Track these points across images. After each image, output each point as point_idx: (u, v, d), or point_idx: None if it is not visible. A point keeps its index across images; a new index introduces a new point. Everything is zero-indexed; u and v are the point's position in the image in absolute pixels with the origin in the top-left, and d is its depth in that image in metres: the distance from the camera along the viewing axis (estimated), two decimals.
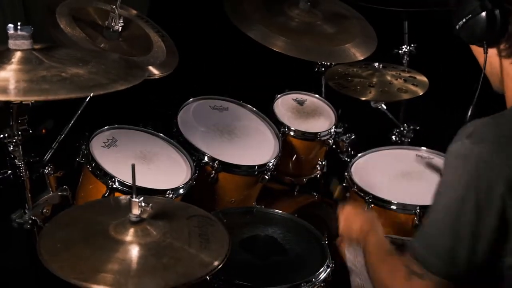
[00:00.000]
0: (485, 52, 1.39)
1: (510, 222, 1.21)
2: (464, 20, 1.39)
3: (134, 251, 1.44)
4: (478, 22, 1.37)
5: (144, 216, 1.52)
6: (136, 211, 1.49)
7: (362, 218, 1.69)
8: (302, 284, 1.84)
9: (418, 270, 1.27)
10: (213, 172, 2.29)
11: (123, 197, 1.77)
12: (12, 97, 1.50)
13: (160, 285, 1.35)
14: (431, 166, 2.42)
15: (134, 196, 1.49)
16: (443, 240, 1.24)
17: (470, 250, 1.23)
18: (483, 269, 1.25)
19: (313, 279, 1.87)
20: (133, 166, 1.48)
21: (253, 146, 2.47)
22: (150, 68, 2.26)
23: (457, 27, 1.42)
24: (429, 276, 1.26)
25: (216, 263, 1.45)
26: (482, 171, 1.20)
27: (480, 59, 1.44)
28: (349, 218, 1.74)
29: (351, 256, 2.06)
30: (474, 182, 1.21)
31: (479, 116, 1.33)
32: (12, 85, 1.49)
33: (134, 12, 2.52)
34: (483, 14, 1.35)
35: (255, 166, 2.36)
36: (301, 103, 2.84)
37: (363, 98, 2.65)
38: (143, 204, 1.50)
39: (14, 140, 1.82)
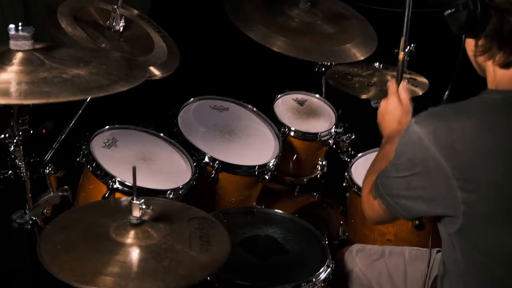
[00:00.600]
0: (462, 46, 1.49)
1: (445, 195, 1.37)
2: (449, 11, 1.48)
3: (134, 254, 1.44)
4: (460, 17, 1.44)
5: (145, 218, 1.52)
6: (136, 213, 1.49)
7: (399, 118, 1.85)
8: (303, 284, 1.84)
9: (373, 192, 1.56)
10: (214, 172, 2.29)
11: (124, 199, 1.77)
12: (13, 100, 1.50)
13: None
14: None
15: (135, 198, 1.49)
16: (391, 186, 1.49)
17: (411, 205, 1.45)
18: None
19: (314, 279, 1.87)
20: (134, 169, 1.48)
21: (253, 146, 2.47)
22: (151, 68, 2.26)
23: (445, 14, 1.50)
24: (378, 201, 1.53)
25: (217, 265, 1.45)
26: (414, 148, 1.39)
27: (467, 47, 1.51)
28: (391, 108, 1.88)
29: (349, 264, 2.07)
30: (408, 154, 1.41)
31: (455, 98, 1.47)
32: (13, 88, 1.49)
33: (136, 12, 2.52)
34: (465, 12, 1.42)
35: (255, 166, 2.36)
36: (301, 103, 2.84)
37: (362, 96, 2.65)
38: (143, 206, 1.49)
39: (15, 141, 1.82)
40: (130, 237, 1.48)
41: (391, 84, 1.91)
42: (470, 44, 1.48)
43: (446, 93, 1.60)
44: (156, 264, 1.42)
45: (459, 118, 1.37)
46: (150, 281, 1.36)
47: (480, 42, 1.43)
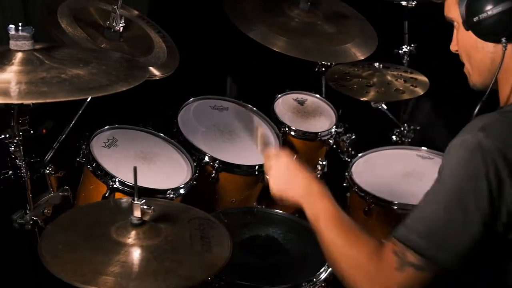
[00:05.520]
0: (505, 48, 1.35)
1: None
2: (488, 13, 1.34)
3: (135, 254, 1.44)
4: (505, 17, 1.32)
5: (146, 218, 1.52)
6: (138, 213, 1.49)
7: (306, 175, 1.51)
8: (303, 284, 1.83)
9: (415, 261, 1.21)
10: (214, 172, 2.29)
11: (125, 199, 1.77)
12: (11, 100, 1.50)
13: None
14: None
15: (136, 198, 1.49)
16: (447, 231, 1.20)
17: (476, 240, 1.20)
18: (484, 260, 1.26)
19: (314, 279, 1.86)
20: (135, 169, 1.48)
21: (253, 146, 2.46)
22: (151, 69, 2.26)
23: (476, 19, 1.35)
24: (431, 268, 1.21)
25: (218, 266, 1.45)
26: (493, 164, 1.19)
27: (479, 55, 1.41)
28: (287, 171, 1.53)
29: None
30: (484, 173, 1.19)
31: (484, 112, 1.33)
32: (12, 87, 1.49)
33: (135, 12, 2.52)
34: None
35: (255, 166, 2.36)
36: (301, 103, 2.84)
37: (360, 98, 2.65)
38: (145, 207, 1.49)
39: (15, 141, 1.82)
40: (131, 237, 1.48)
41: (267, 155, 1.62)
42: (483, 51, 1.38)
43: (477, 108, 1.43)
44: (157, 264, 1.42)
45: None
46: (151, 281, 1.36)
47: None
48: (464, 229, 1.19)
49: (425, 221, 1.24)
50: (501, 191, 1.19)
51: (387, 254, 1.26)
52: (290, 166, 1.54)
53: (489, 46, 1.38)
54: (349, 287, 1.32)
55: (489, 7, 1.34)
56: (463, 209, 1.19)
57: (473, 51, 1.43)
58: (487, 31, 1.37)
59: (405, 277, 1.23)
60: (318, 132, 2.66)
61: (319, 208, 1.43)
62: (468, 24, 1.38)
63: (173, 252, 1.47)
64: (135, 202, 1.49)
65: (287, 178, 1.53)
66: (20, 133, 1.82)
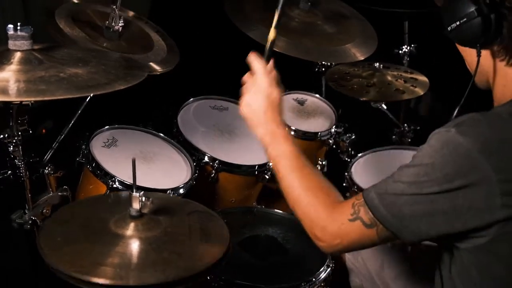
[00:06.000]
0: (478, 55, 1.38)
1: (478, 213, 1.23)
2: (458, 23, 1.37)
3: (134, 245, 1.44)
4: (473, 26, 1.34)
5: (145, 211, 1.52)
6: (136, 205, 1.49)
7: (276, 117, 1.53)
8: (303, 284, 1.84)
9: (366, 220, 1.30)
10: (213, 172, 2.29)
11: (124, 192, 1.77)
12: (10, 98, 1.51)
13: (160, 279, 1.34)
14: None
15: (134, 190, 1.49)
16: (403, 207, 1.27)
17: (426, 226, 1.27)
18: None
19: (314, 279, 1.86)
20: (133, 160, 1.48)
21: (253, 146, 2.46)
22: (152, 64, 2.26)
23: (449, 29, 1.39)
24: (378, 229, 1.30)
25: (216, 257, 1.45)
26: (458, 161, 1.23)
27: (468, 58, 1.44)
28: (260, 104, 1.54)
29: (351, 256, 2.06)
30: (448, 169, 1.24)
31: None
32: (10, 86, 1.50)
33: (133, 13, 2.52)
34: (479, 19, 1.32)
35: (255, 165, 2.36)
36: (301, 103, 2.84)
37: (360, 98, 2.65)
38: (143, 199, 1.49)
39: (14, 141, 1.83)
40: (130, 229, 1.48)
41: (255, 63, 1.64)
42: (484, 54, 1.38)
43: (455, 113, 1.45)
44: (156, 255, 1.42)
45: (503, 123, 1.28)
46: (150, 272, 1.36)
47: (496, 48, 1.36)
48: (413, 205, 1.26)
49: (388, 190, 1.29)
50: (459, 189, 1.22)
51: (347, 205, 1.34)
52: (265, 101, 1.54)
53: (474, 50, 1.39)
54: (305, 229, 1.41)
55: (457, 17, 1.36)
56: (418, 187, 1.25)
57: (464, 53, 1.46)
58: (461, 39, 1.40)
59: (353, 230, 1.32)
60: (318, 132, 2.66)
61: (281, 150, 1.48)
62: (447, 32, 1.41)
63: (172, 243, 1.47)
64: (134, 194, 1.48)
65: (258, 112, 1.54)
66: (19, 133, 1.82)
